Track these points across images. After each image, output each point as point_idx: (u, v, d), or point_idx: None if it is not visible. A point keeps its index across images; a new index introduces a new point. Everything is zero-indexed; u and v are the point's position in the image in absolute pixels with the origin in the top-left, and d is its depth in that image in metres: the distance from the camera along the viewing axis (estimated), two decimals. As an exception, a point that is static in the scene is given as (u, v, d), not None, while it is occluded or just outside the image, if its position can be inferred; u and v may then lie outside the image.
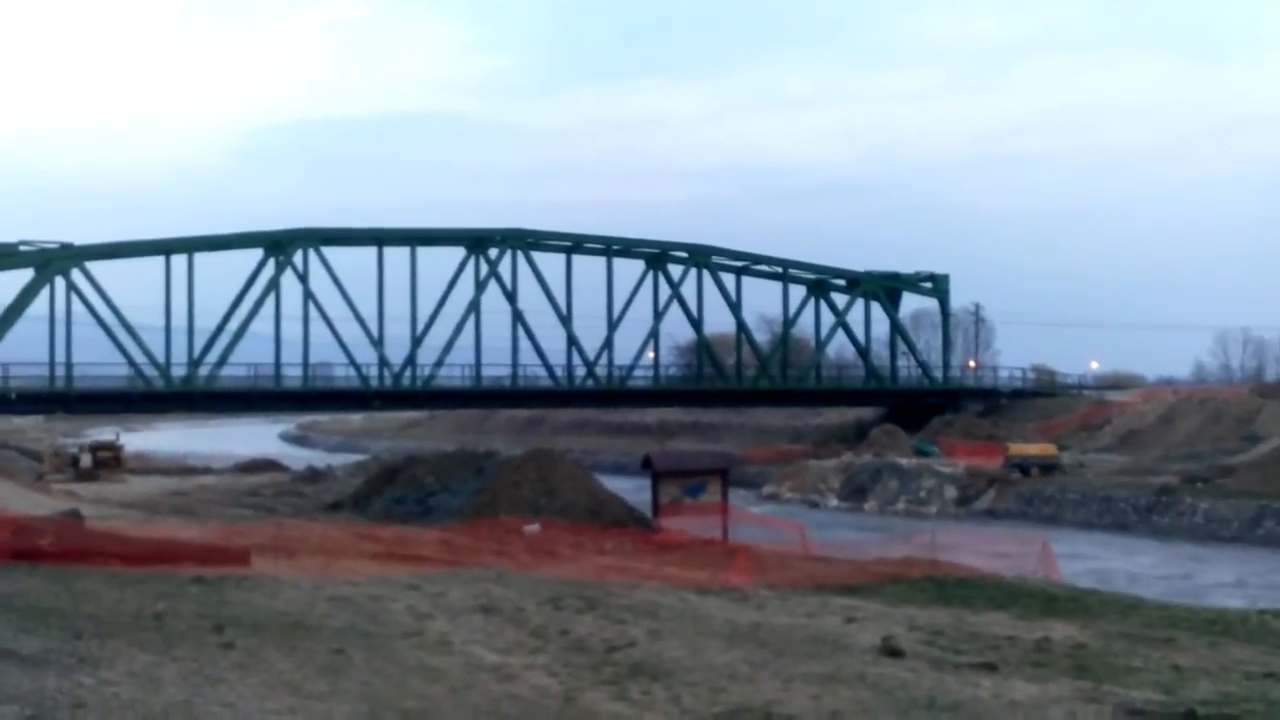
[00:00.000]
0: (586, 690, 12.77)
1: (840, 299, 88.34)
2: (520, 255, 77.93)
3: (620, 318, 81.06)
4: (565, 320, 79.32)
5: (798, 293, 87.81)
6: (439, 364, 77.59)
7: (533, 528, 34.69)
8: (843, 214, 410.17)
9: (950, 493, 62.42)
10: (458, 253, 77.60)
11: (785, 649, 15.68)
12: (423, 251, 75.92)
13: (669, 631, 16.83)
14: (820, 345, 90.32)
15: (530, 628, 16.76)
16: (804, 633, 17.31)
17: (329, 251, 74.43)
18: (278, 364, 74.83)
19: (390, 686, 12.35)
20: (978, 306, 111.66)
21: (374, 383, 75.96)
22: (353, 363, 75.54)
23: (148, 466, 77.28)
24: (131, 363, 71.00)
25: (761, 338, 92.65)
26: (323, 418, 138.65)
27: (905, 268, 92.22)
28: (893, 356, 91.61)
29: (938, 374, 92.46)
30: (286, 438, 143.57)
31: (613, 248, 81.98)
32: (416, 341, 76.56)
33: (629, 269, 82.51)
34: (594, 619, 17.73)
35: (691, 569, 28.28)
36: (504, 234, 78.15)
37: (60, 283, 69.19)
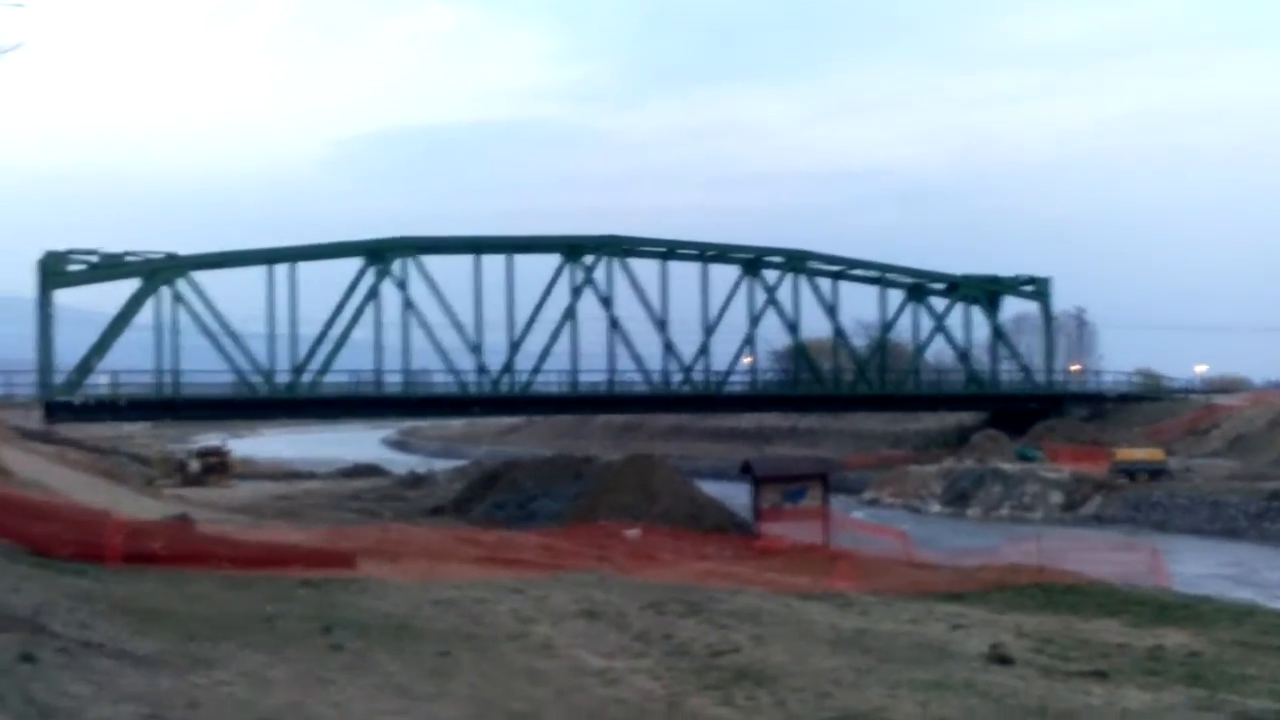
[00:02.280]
0: (691, 695, 12.73)
1: (939, 303, 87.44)
2: (615, 261, 78.14)
3: (716, 323, 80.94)
4: (661, 325, 79.37)
5: (895, 297, 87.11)
6: (536, 370, 78.04)
7: (633, 532, 34.72)
8: (936, 217, 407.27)
9: (1056, 498, 61.42)
10: (553, 259, 78.00)
11: (890, 655, 15.50)
12: (519, 258, 76.42)
13: (772, 637, 16.71)
14: (919, 349, 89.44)
15: (633, 632, 16.76)
16: (909, 639, 17.10)
17: (426, 259, 75.19)
18: (378, 370, 75.74)
19: (496, 689, 12.41)
20: (1080, 310, 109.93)
21: (472, 389, 76.56)
22: (451, 369, 76.20)
23: (253, 472, 78.69)
24: (236, 370, 72.27)
25: (858, 343, 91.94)
26: (423, 423, 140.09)
27: (1001, 270, 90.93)
28: (994, 360, 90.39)
29: (1040, 378, 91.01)
30: (388, 443, 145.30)
31: (707, 253, 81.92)
32: (514, 348, 77.06)
33: (724, 274, 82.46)
34: (697, 624, 17.67)
35: (793, 574, 28.08)
36: (599, 241, 78.41)
37: (166, 292, 70.66)
